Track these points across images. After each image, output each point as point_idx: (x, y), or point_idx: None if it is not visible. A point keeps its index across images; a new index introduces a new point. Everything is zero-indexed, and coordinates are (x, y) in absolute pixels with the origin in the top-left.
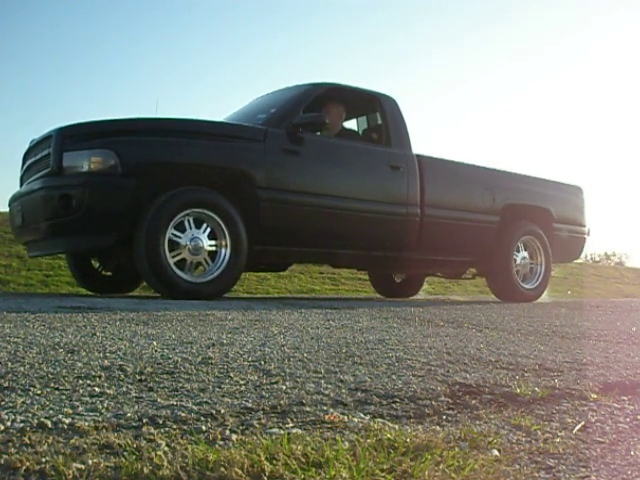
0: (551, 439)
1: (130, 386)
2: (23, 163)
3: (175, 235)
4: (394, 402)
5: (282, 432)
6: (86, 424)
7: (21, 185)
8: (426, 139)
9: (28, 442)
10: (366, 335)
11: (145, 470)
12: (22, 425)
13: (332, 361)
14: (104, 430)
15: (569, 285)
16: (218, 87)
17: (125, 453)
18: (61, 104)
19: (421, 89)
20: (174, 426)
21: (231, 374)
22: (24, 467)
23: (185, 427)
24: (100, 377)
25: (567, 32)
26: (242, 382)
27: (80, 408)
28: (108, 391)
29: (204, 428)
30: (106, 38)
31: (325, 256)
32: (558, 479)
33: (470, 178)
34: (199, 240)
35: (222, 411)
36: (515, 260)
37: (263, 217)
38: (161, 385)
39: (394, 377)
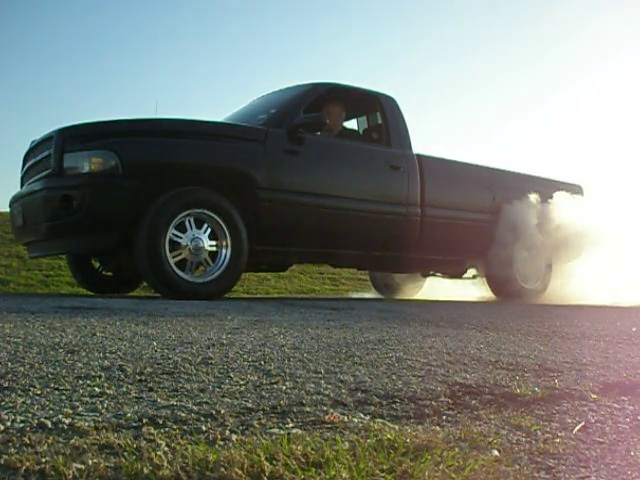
0: (551, 439)
1: (130, 386)
2: (23, 164)
3: (176, 235)
4: (394, 402)
5: (282, 432)
6: (86, 424)
7: (22, 186)
8: (426, 139)
9: (28, 442)
10: (366, 335)
11: (145, 470)
12: (22, 425)
13: (332, 361)
14: (104, 430)
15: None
16: (218, 87)
17: (125, 453)
18: (61, 105)
19: (421, 88)
20: (174, 426)
21: (231, 374)
22: (24, 467)
23: (185, 427)
24: (100, 377)
25: (567, 29)
26: (242, 382)
27: (80, 408)
28: (108, 391)
29: (204, 428)
30: (106, 38)
31: (325, 256)
32: (558, 479)
33: (470, 178)
34: (200, 240)
35: (222, 411)
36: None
37: (264, 217)
38: (161, 385)
39: (394, 377)
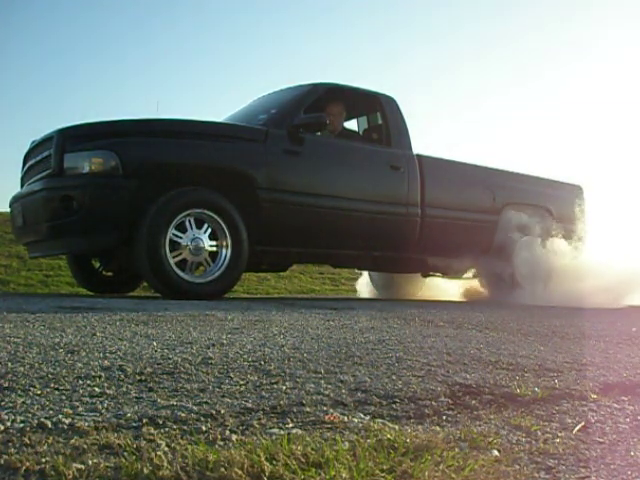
0: (551, 439)
1: (130, 386)
2: (24, 164)
3: (176, 235)
4: (394, 402)
5: (282, 432)
6: (86, 424)
7: (22, 186)
8: (426, 139)
9: (28, 442)
10: (366, 335)
11: (145, 470)
12: (22, 425)
13: (332, 361)
14: (104, 430)
15: None
16: (218, 87)
17: (125, 453)
18: (61, 105)
19: (421, 88)
20: (174, 426)
21: (231, 374)
22: (24, 467)
23: (185, 427)
24: (100, 377)
25: (567, 26)
26: (242, 382)
27: (80, 408)
28: (108, 391)
29: (204, 428)
30: (106, 38)
31: (325, 256)
32: (558, 479)
33: (470, 178)
34: (200, 240)
35: (222, 411)
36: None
37: (264, 217)
38: (161, 385)
39: (394, 377)
